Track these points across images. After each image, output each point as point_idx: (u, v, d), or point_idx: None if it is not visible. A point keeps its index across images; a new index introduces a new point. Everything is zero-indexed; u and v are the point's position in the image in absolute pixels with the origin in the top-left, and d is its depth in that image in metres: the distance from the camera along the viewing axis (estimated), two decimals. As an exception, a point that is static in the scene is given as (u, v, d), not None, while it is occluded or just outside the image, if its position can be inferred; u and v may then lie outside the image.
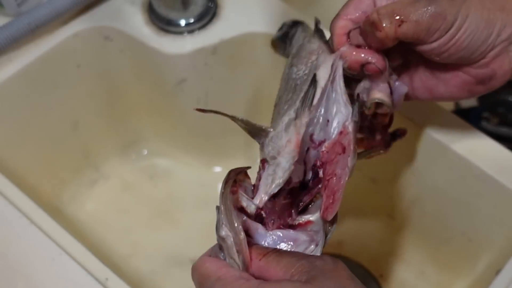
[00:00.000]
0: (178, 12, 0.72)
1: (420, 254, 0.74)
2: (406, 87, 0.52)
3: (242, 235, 0.38)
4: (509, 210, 0.63)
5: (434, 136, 0.64)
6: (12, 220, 0.57)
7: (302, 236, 0.41)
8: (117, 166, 0.84)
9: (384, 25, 0.46)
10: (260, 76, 0.75)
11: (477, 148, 0.63)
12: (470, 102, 0.78)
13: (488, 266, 0.66)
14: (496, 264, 0.61)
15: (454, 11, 0.46)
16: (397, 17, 0.46)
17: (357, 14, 0.49)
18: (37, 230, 0.56)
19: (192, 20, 0.72)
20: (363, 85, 0.50)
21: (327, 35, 0.53)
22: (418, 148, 0.67)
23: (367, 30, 0.47)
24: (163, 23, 0.72)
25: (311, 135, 0.44)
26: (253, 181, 0.44)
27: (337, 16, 0.50)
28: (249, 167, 0.42)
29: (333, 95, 0.45)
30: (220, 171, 0.82)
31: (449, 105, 0.77)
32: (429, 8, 0.46)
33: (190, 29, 0.72)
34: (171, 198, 0.82)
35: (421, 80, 0.54)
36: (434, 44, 0.47)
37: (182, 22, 0.72)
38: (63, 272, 0.55)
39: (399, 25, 0.46)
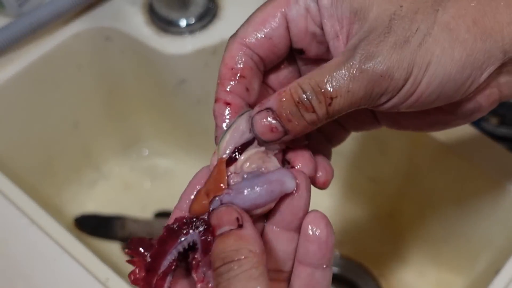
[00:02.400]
0: (178, 12, 0.72)
1: (420, 254, 0.74)
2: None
3: None
4: (509, 210, 0.63)
5: (433, 136, 0.64)
6: (12, 220, 0.57)
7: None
8: (118, 166, 0.84)
9: (313, 105, 0.34)
10: (260, 76, 0.75)
11: (477, 148, 0.63)
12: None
13: (487, 266, 0.66)
14: (496, 264, 0.61)
15: (404, 64, 0.34)
16: (324, 92, 0.34)
17: (257, 38, 0.38)
18: (37, 230, 0.56)
19: (192, 21, 0.72)
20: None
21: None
22: (418, 148, 0.67)
23: (290, 112, 0.35)
24: (164, 24, 0.72)
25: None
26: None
27: (234, 36, 0.39)
28: None
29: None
30: (220, 171, 0.82)
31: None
32: (363, 68, 0.33)
33: (191, 29, 0.72)
34: (172, 198, 0.82)
35: (382, 112, 0.41)
36: (386, 106, 0.35)
37: (183, 23, 0.72)
38: (63, 272, 0.55)
39: (329, 104, 0.34)
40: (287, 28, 0.38)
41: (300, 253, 0.35)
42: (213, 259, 0.33)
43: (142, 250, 0.35)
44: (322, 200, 0.76)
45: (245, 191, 0.35)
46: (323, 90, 0.34)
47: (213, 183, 0.36)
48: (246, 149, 0.36)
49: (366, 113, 0.42)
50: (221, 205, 0.34)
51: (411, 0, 0.35)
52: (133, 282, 0.35)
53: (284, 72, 0.41)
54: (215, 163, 0.36)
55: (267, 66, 0.40)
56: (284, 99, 0.35)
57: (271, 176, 0.35)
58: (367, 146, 0.72)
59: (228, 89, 0.38)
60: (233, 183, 0.36)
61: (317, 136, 0.42)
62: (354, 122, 0.43)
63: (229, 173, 0.36)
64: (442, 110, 0.39)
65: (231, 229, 0.33)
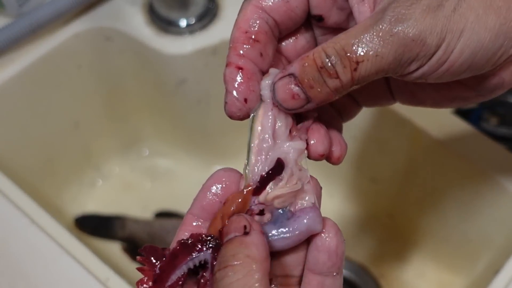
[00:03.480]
0: (178, 12, 0.72)
1: (420, 254, 0.74)
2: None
3: None
4: (509, 210, 0.63)
5: (434, 136, 0.64)
6: (13, 220, 0.58)
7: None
8: (118, 166, 0.84)
9: (337, 70, 0.32)
10: (260, 76, 0.75)
11: (477, 148, 0.63)
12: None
13: (487, 266, 0.66)
14: (496, 264, 0.61)
15: (437, 28, 0.32)
16: (350, 56, 0.32)
17: (274, 1, 0.36)
18: (38, 230, 0.56)
19: (192, 21, 0.72)
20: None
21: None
22: (418, 148, 0.67)
23: (312, 78, 0.33)
24: (164, 24, 0.72)
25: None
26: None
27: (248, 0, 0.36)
28: None
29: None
30: (220, 171, 0.82)
31: (449, 106, 0.77)
32: (394, 31, 0.32)
33: (191, 29, 0.72)
34: (172, 198, 0.82)
35: (399, 85, 0.40)
36: (415, 74, 0.34)
37: (183, 23, 0.72)
38: (64, 272, 0.55)
39: (355, 69, 0.32)
40: None
41: (310, 261, 0.35)
42: (217, 261, 0.32)
43: (154, 260, 0.34)
44: (322, 200, 0.76)
45: (274, 237, 0.34)
46: (348, 54, 0.32)
47: (233, 210, 0.34)
48: (276, 174, 0.35)
49: (381, 86, 0.41)
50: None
51: None
52: None
53: (301, 42, 0.39)
54: (241, 188, 0.35)
55: (282, 32, 0.37)
56: (307, 64, 0.33)
57: (301, 225, 0.34)
58: (367, 146, 0.72)
59: (241, 53, 0.35)
60: (257, 219, 0.34)
61: (329, 110, 0.40)
62: (368, 96, 0.41)
63: (255, 201, 0.35)
64: (465, 85, 0.37)
65: (235, 236, 0.32)
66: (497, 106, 0.77)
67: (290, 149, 0.35)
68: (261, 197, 0.35)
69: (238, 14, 0.36)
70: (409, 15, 0.32)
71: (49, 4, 0.69)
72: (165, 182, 0.83)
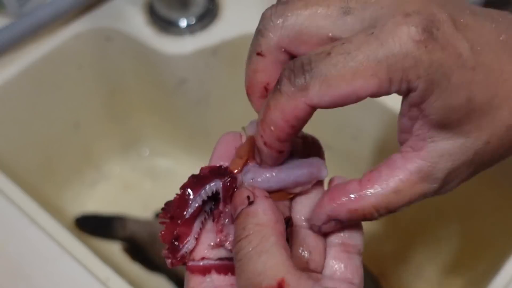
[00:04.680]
0: (178, 13, 0.72)
1: (420, 254, 0.74)
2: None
3: None
4: (509, 210, 0.63)
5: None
6: (13, 220, 0.58)
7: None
8: (118, 166, 0.84)
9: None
10: (260, 76, 0.75)
11: (477, 148, 0.63)
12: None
13: (487, 266, 0.66)
14: (496, 264, 0.61)
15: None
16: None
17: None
18: (38, 230, 0.57)
19: (193, 21, 0.72)
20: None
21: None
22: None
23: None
24: (164, 24, 0.72)
25: None
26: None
27: (301, 93, 0.31)
28: None
29: None
30: (220, 171, 0.83)
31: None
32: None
33: (191, 30, 0.72)
34: (172, 197, 0.82)
35: None
36: None
37: (183, 23, 0.72)
38: (64, 272, 0.55)
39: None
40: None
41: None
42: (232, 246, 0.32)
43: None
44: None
45: (288, 168, 0.35)
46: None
47: (248, 147, 0.36)
48: None
49: None
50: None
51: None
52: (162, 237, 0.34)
53: None
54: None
55: None
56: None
57: (311, 160, 0.36)
58: (367, 146, 0.72)
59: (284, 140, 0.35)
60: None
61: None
62: None
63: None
64: None
65: (242, 209, 0.32)
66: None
67: None
68: None
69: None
70: None
71: (50, 4, 0.69)
72: (166, 182, 0.83)
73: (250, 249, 0.30)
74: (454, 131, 0.32)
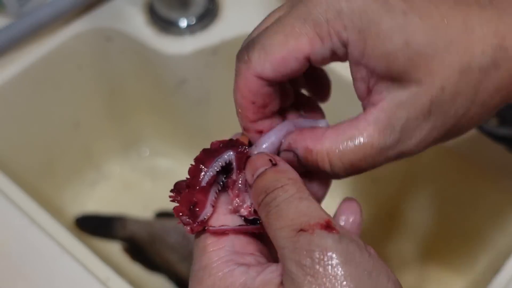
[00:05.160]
0: (179, 13, 0.72)
1: (420, 254, 0.74)
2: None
3: None
4: (509, 210, 0.63)
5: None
6: (13, 220, 0.58)
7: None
8: (118, 166, 0.84)
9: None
10: (260, 76, 0.75)
11: (477, 148, 0.63)
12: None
13: (487, 265, 0.66)
14: (496, 263, 0.61)
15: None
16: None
17: (275, 74, 0.34)
18: (38, 230, 0.57)
19: (193, 21, 0.72)
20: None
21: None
22: (418, 148, 0.67)
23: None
24: (164, 24, 0.72)
25: None
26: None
27: (247, 63, 0.35)
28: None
29: None
30: (220, 171, 0.83)
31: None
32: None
33: (191, 30, 0.72)
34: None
35: None
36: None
37: (183, 23, 0.72)
38: (64, 272, 0.55)
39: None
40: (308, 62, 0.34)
41: None
42: (254, 196, 0.33)
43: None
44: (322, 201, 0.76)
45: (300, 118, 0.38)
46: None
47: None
48: None
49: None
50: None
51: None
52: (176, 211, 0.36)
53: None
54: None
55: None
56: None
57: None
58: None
59: (253, 120, 0.37)
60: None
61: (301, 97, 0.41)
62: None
63: None
64: None
65: (266, 169, 0.33)
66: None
67: None
68: None
69: (237, 79, 0.36)
70: None
71: (50, 4, 0.69)
72: (166, 182, 0.83)
73: (288, 196, 0.31)
74: (406, 80, 0.32)
